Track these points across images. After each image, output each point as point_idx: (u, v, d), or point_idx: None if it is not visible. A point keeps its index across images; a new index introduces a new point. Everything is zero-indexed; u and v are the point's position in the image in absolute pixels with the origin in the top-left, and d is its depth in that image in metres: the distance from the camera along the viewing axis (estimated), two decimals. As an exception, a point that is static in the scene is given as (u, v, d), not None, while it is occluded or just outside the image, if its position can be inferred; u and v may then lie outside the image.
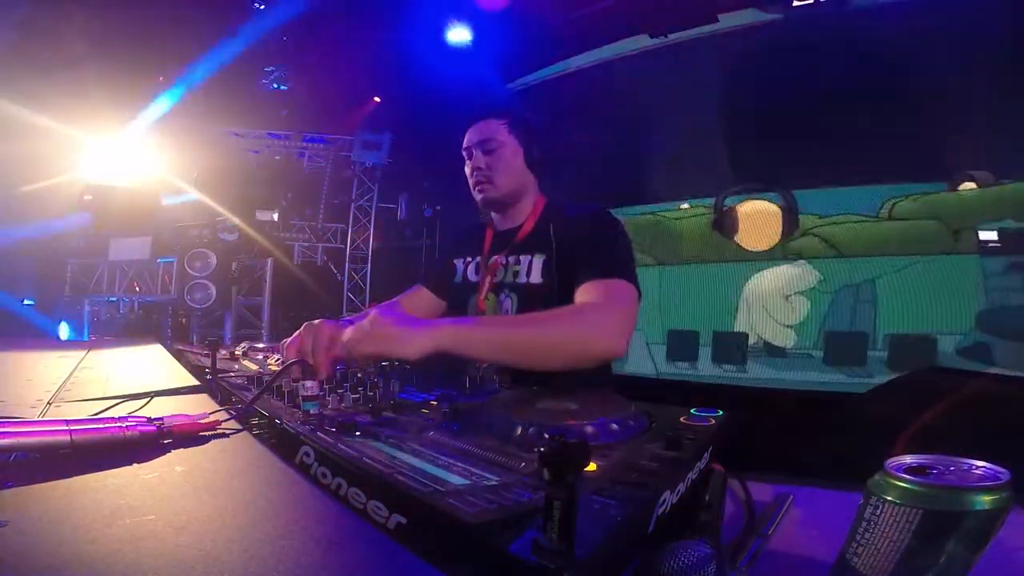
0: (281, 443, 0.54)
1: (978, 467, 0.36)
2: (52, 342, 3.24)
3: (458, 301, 1.30)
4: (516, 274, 1.20)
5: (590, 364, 0.92)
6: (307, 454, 0.49)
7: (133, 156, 4.79)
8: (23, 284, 4.95)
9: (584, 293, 1.02)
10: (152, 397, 0.72)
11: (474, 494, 0.38)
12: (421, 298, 1.37)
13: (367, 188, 6.40)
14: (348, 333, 0.79)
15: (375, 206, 6.40)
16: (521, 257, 1.20)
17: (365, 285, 6.35)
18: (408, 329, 0.81)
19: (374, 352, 0.78)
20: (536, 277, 1.16)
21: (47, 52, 4.07)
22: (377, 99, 5.84)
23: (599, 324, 0.94)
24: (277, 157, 6.05)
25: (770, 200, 3.54)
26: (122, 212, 4.71)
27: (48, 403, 0.69)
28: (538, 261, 1.17)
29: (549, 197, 1.29)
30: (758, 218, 3.57)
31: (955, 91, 2.93)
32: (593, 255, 1.07)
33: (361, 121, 6.11)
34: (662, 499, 0.42)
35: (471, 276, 1.30)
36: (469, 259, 1.32)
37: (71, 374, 0.94)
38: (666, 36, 3.99)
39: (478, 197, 1.24)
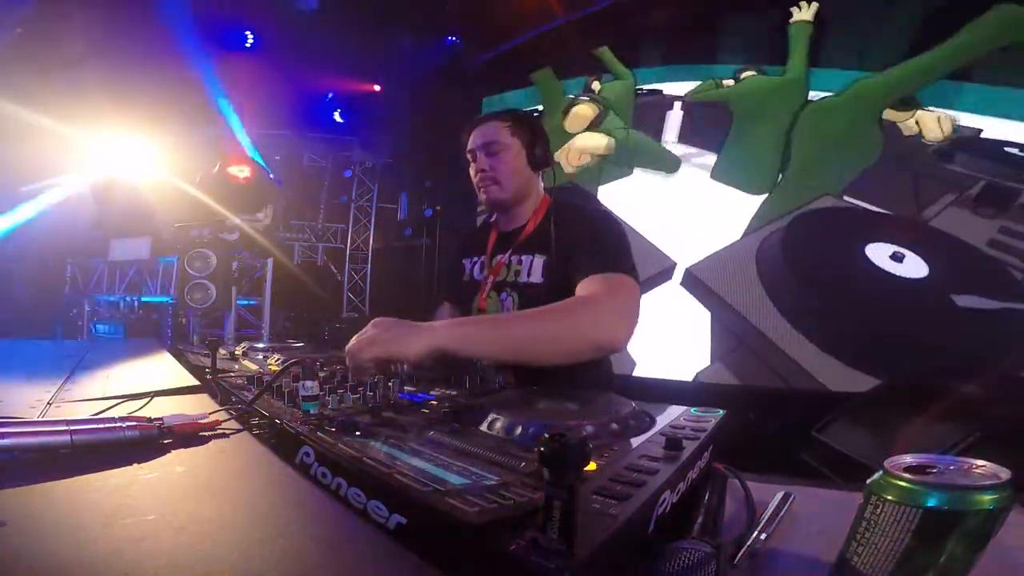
0: (281, 443, 0.54)
1: (978, 467, 0.36)
2: (51, 342, 3.24)
3: (466, 300, 1.32)
4: (518, 273, 1.21)
5: (592, 356, 0.94)
6: (307, 454, 0.49)
7: (134, 156, 4.78)
8: (22, 284, 4.95)
9: (585, 287, 1.02)
10: (152, 397, 0.72)
11: (474, 494, 0.38)
12: (448, 314, 1.38)
13: (367, 188, 6.40)
14: (351, 342, 0.84)
15: (375, 206, 6.41)
16: (523, 257, 1.21)
17: (365, 285, 6.35)
18: (408, 331, 0.85)
19: (376, 356, 0.82)
20: (537, 277, 1.18)
21: (47, 52, 4.07)
22: (377, 87, 5.82)
23: (600, 315, 0.95)
24: (277, 157, 6.04)
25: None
26: (122, 212, 4.70)
27: (48, 403, 0.69)
28: (539, 261, 1.18)
29: (554, 197, 1.30)
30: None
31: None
32: (593, 251, 1.08)
33: (361, 120, 6.10)
34: (662, 499, 0.42)
35: (476, 275, 1.32)
36: (476, 258, 1.34)
37: (71, 374, 0.94)
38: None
39: (483, 198, 1.26)
